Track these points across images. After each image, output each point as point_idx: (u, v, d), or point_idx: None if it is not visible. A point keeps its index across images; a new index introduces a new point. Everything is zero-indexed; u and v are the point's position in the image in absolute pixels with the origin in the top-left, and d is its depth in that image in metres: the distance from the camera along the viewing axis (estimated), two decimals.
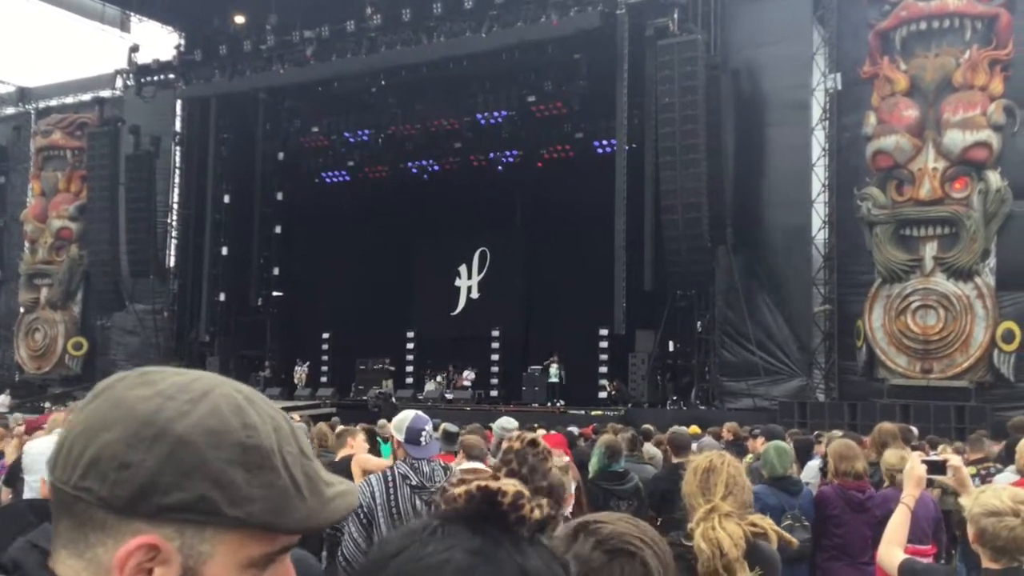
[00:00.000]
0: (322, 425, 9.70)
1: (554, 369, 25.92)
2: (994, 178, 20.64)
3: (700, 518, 3.52)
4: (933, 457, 4.07)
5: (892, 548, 3.72)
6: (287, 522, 0.95)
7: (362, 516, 4.76)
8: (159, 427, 0.92)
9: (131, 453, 0.91)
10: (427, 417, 5.27)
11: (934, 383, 20.89)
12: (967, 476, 3.89)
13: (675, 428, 9.03)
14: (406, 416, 5.20)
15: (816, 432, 13.70)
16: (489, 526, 0.94)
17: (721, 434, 12.36)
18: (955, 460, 3.92)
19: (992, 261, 20.76)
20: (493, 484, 0.96)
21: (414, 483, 4.89)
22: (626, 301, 23.02)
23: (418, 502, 4.85)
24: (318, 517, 0.97)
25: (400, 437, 5.09)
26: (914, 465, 3.88)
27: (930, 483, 4.07)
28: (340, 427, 8.68)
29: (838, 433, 10.37)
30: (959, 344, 20.81)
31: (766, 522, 3.68)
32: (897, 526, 3.81)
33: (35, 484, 6.01)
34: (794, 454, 7.95)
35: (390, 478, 4.91)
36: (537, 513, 0.95)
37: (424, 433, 5.07)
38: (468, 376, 27.54)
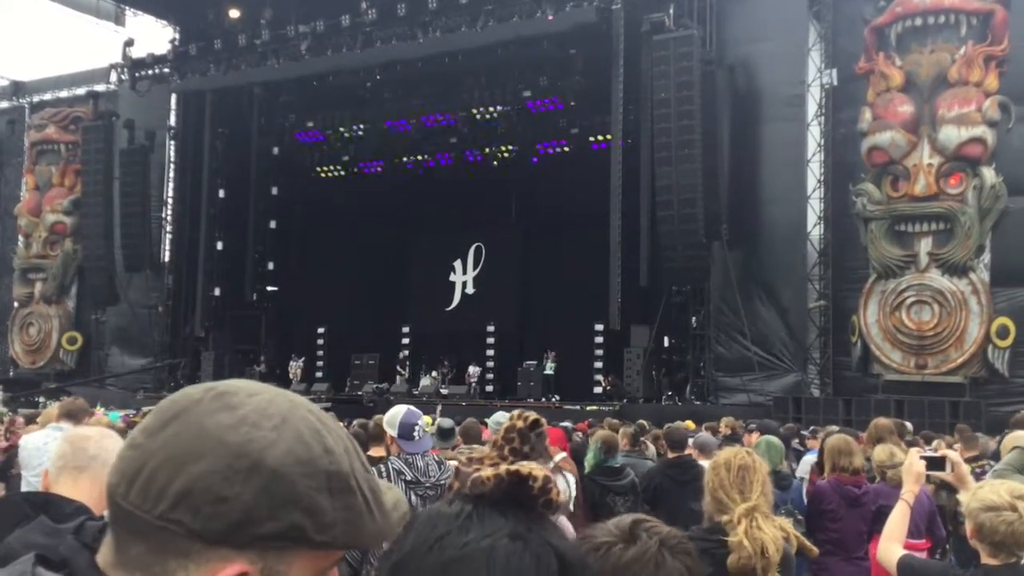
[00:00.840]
0: None
1: (549, 362, 26.00)
2: (989, 174, 20.69)
3: (742, 515, 3.50)
4: (931, 453, 4.06)
5: (891, 544, 3.72)
6: (362, 540, 0.98)
7: None
8: (253, 460, 0.92)
9: (226, 487, 0.91)
10: (419, 412, 5.27)
11: (928, 378, 20.94)
12: (966, 471, 3.90)
13: (672, 423, 9.03)
14: (398, 411, 5.19)
15: (812, 427, 13.75)
16: (519, 510, 0.96)
17: (719, 429, 12.38)
18: (954, 455, 3.92)
19: (987, 257, 20.81)
20: (523, 469, 0.98)
21: (409, 478, 4.88)
22: (621, 296, 23.04)
23: (413, 497, 4.84)
24: (385, 532, 1.00)
25: (393, 432, 5.07)
26: (913, 461, 3.87)
27: (929, 479, 4.07)
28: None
29: (834, 428, 10.38)
30: (953, 340, 20.86)
31: (788, 526, 3.68)
32: (896, 523, 3.81)
33: (33, 479, 5.99)
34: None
35: (384, 474, 4.89)
36: (562, 497, 0.97)
37: (417, 428, 5.06)
38: (474, 373, 27.52)
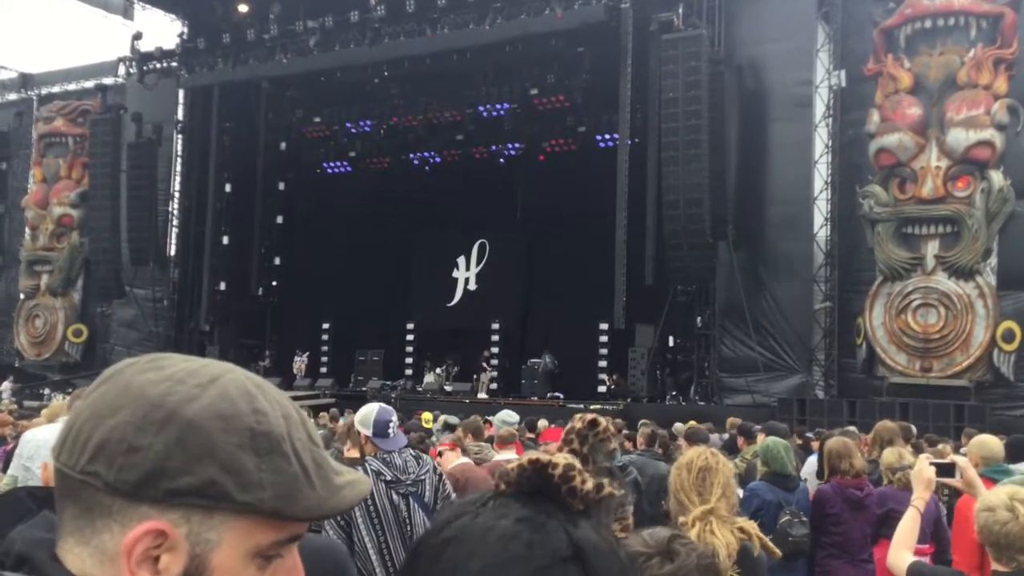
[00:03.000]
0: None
1: (548, 358, 26.05)
2: (997, 177, 20.64)
3: (697, 518, 3.48)
4: (940, 460, 4.06)
5: (901, 551, 3.72)
6: (297, 509, 0.95)
7: (339, 517, 4.64)
8: (168, 410, 0.91)
9: (140, 436, 0.90)
10: (392, 408, 5.22)
11: (934, 382, 20.90)
12: (975, 477, 3.88)
13: (692, 424, 9.00)
14: (371, 410, 5.09)
15: (816, 430, 13.74)
16: (541, 499, 0.95)
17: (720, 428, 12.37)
18: (962, 461, 3.91)
19: (993, 260, 20.76)
20: (544, 457, 0.96)
21: (388, 478, 4.79)
22: (626, 295, 23.01)
23: (395, 496, 4.77)
24: (328, 504, 0.97)
25: (368, 432, 4.99)
26: (922, 468, 3.86)
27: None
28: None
29: (834, 432, 10.37)
30: (959, 343, 20.81)
31: (751, 527, 3.65)
32: (906, 530, 3.80)
33: (39, 471, 6.00)
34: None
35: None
36: (588, 485, 0.96)
37: (391, 425, 5.01)
38: (485, 377, 27.42)
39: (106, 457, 0.91)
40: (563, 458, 0.97)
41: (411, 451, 5.13)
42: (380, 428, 4.97)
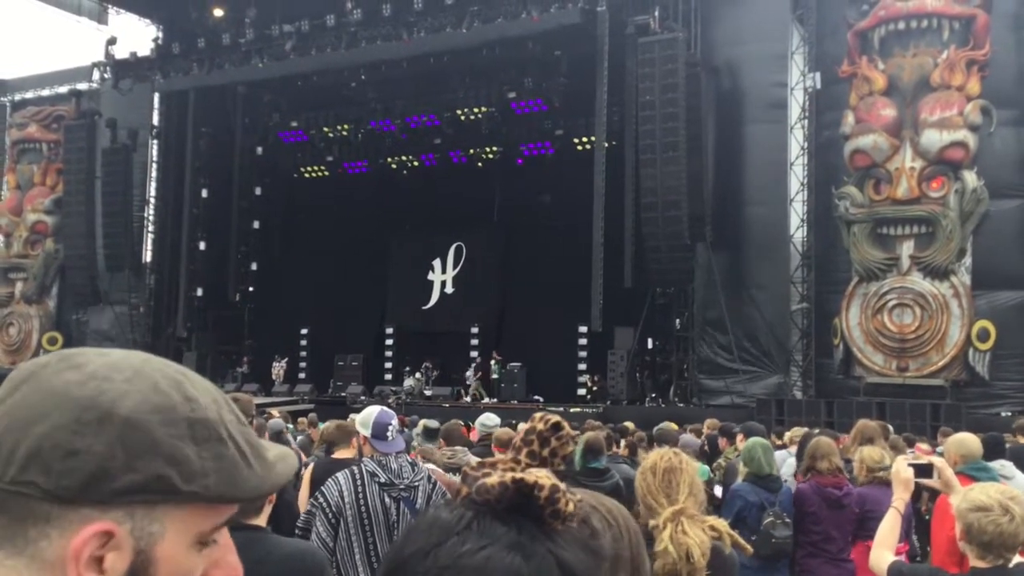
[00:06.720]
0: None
1: (494, 364, 26.25)
2: (970, 178, 20.82)
3: (667, 519, 3.44)
4: (918, 460, 4.09)
5: (882, 551, 3.75)
6: (240, 492, 0.95)
7: (330, 515, 4.71)
8: (102, 411, 0.89)
9: (76, 440, 0.88)
10: (393, 412, 5.26)
11: (910, 381, 21.05)
12: (952, 476, 3.93)
13: (662, 425, 9.02)
14: (372, 411, 5.15)
15: (777, 429, 13.81)
16: (523, 519, 0.91)
17: (702, 430, 12.40)
18: (939, 461, 3.95)
19: (968, 260, 20.93)
20: (529, 477, 0.93)
21: (382, 480, 4.82)
22: (605, 298, 23.05)
23: (387, 499, 4.80)
24: (266, 483, 0.97)
25: (367, 433, 5.02)
26: (900, 468, 3.89)
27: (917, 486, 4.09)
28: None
29: (800, 431, 10.42)
30: (935, 343, 20.98)
31: (722, 525, 3.62)
32: (887, 530, 3.83)
33: None
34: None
35: (358, 476, 4.83)
36: (571, 507, 0.93)
37: (391, 428, 5.03)
38: (470, 376, 27.37)
39: (41, 465, 0.87)
40: (547, 478, 0.94)
41: (408, 457, 5.17)
42: (379, 430, 5.01)
